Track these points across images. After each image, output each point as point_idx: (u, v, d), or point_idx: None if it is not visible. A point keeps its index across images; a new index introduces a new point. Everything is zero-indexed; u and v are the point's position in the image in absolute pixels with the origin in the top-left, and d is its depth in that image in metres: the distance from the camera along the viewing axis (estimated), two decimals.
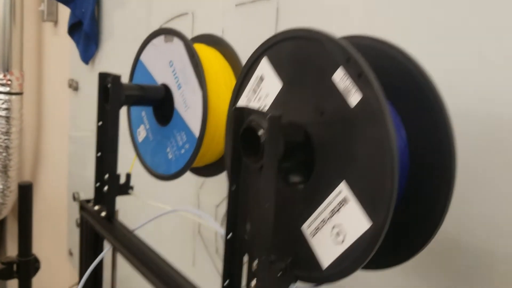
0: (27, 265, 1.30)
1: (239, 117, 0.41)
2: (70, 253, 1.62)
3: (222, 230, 0.45)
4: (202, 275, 0.98)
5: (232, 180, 0.42)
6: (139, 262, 0.58)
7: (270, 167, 0.38)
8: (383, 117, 0.34)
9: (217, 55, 0.70)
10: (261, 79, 0.46)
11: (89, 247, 0.69)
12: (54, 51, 1.87)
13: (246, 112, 0.41)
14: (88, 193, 1.51)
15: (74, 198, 1.54)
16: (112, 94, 0.62)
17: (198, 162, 0.70)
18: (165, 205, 0.67)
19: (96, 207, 0.69)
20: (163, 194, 0.98)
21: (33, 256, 1.32)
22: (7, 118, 1.90)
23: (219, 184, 0.91)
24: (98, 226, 0.66)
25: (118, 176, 0.67)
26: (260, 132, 0.38)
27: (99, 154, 0.67)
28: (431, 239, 0.39)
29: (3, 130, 1.91)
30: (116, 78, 0.63)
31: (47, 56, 1.93)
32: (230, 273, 0.44)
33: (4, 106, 1.89)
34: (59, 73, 1.74)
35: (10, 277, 1.30)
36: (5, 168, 1.98)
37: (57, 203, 1.74)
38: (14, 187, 2.06)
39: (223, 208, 0.90)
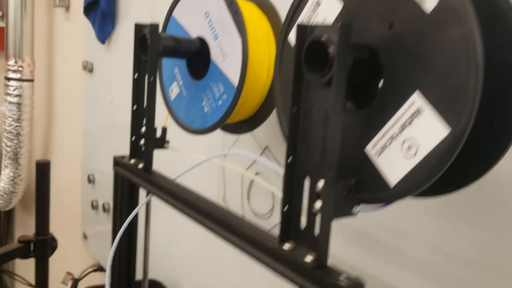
0: (44, 244, 1.29)
1: (302, 34, 0.40)
2: (85, 236, 1.60)
3: (280, 170, 0.44)
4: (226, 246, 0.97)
5: (293, 102, 0.41)
6: (186, 207, 0.56)
7: (339, 78, 0.37)
8: (467, 15, 0.33)
9: (253, 6, 0.69)
10: (318, 4, 0.45)
11: (125, 201, 0.68)
12: (65, 36, 1.86)
13: (309, 29, 0.39)
14: (103, 175, 1.49)
15: (89, 180, 1.53)
16: (151, 43, 0.61)
17: (232, 118, 0.68)
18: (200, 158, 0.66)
19: (132, 161, 0.67)
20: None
21: (50, 235, 1.30)
22: (19, 105, 1.89)
23: (249, 144, 0.89)
24: (136, 178, 0.65)
25: (155, 129, 0.66)
26: (328, 42, 0.37)
27: (134, 107, 0.66)
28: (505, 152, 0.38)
29: (15, 117, 1.90)
30: (155, 27, 0.62)
31: (59, 42, 1.92)
32: (290, 198, 0.43)
33: (15, 92, 1.88)
34: (72, 57, 1.73)
35: (27, 256, 1.29)
36: (16, 156, 1.97)
37: (70, 188, 1.72)
38: (24, 175, 2.04)
39: (251, 172, 0.89)
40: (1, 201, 2.12)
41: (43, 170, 1.27)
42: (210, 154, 0.88)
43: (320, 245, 0.40)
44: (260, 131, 0.81)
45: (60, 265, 1.45)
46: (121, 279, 0.71)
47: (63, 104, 1.93)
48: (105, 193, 1.48)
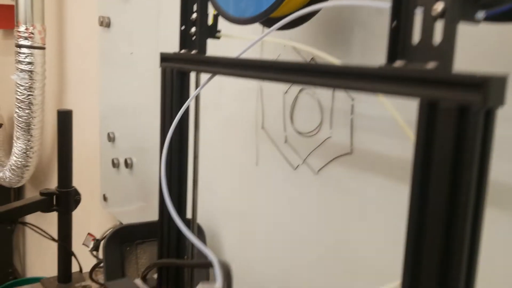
0: (68, 197, 1.24)
1: None
2: (104, 198, 1.56)
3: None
4: (267, 172, 0.93)
5: None
6: (267, 69, 0.51)
7: None
8: None
9: None
10: None
11: (175, 95, 0.63)
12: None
13: None
14: (122, 133, 1.45)
15: (109, 138, 1.48)
16: None
17: (280, 10, 0.64)
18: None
19: (183, 51, 0.63)
20: None
21: (73, 188, 1.26)
22: (30, 73, 1.84)
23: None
24: (191, 64, 0.60)
25: (207, 15, 0.62)
26: None
27: None
28: None
29: (26, 85, 1.86)
30: None
31: (72, 4, 1.88)
32: (398, 11, 0.38)
33: (27, 60, 1.83)
34: (86, 15, 1.68)
35: (50, 209, 1.24)
36: (28, 127, 1.92)
37: (88, 150, 1.67)
38: (37, 148, 2.00)
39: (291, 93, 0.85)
40: (12, 176, 2.07)
41: (65, 118, 1.23)
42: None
43: (444, 52, 0.35)
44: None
45: (80, 228, 1.40)
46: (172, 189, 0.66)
47: (76, 69, 1.88)
48: (127, 149, 1.43)
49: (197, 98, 0.70)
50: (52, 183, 1.55)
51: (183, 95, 0.64)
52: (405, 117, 0.54)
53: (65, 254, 1.27)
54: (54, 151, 2.11)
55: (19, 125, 1.92)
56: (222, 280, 0.43)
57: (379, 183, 0.72)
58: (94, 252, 1.38)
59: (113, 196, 1.54)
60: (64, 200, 1.23)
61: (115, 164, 1.47)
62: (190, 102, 0.64)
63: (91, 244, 1.42)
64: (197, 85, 0.66)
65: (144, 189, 1.38)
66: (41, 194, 1.22)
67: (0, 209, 1.13)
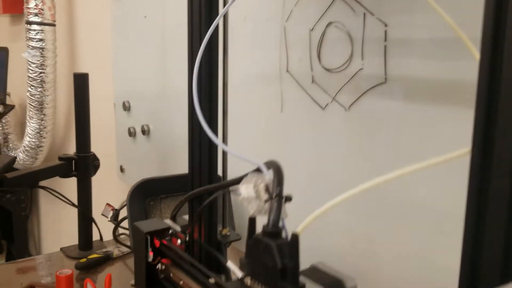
0: (86, 161, 1.22)
1: None
2: (121, 170, 1.53)
3: None
4: (293, 117, 0.90)
5: None
6: None
7: None
8: None
9: None
10: None
11: (204, 13, 0.60)
12: None
13: None
14: (138, 100, 1.42)
15: (125, 107, 1.46)
16: None
17: None
18: None
19: None
20: None
21: (92, 153, 1.23)
22: (42, 50, 1.83)
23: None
24: None
25: None
26: None
27: None
28: None
29: (38, 63, 1.84)
30: None
31: None
32: None
33: (37, 37, 1.81)
34: None
35: (69, 174, 1.22)
36: (41, 105, 1.91)
37: (103, 123, 1.65)
38: (50, 128, 1.98)
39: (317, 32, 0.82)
40: (26, 158, 2.05)
41: (81, 82, 1.20)
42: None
43: None
44: None
45: (97, 200, 1.38)
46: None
47: (88, 45, 1.86)
48: (143, 116, 1.41)
49: (224, 22, 0.67)
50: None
51: (212, 14, 0.62)
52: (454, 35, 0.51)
53: (86, 220, 1.25)
54: (68, 131, 2.09)
55: (32, 104, 1.90)
56: (274, 173, 0.40)
57: (418, 111, 0.69)
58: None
59: (130, 167, 1.52)
60: (82, 165, 1.21)
61: (131, 133, 1.45)
62: (219, 22, 0.61)
63: (110, 214, 1.39)
64: (224, 4, 0.63)
65: (162, 156, 1.35)
66: (60, 159, 1.20)
67: (20, 172, 1.11)
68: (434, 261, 0.68)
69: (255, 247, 0.37)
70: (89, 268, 1.14)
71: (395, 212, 0.73)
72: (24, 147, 2.01)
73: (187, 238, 0.69)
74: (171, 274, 0.68)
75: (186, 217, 0.74)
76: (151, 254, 0.71)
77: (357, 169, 0.79)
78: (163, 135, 1.34)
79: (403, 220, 0.72)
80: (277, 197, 0.38)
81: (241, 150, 1.02)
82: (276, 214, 0.37)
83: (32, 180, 1.16)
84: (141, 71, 1.39)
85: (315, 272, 0.40)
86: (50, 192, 1.20)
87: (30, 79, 1.86)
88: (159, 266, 0.71)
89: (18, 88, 2.27)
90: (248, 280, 0.39)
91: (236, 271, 0.43)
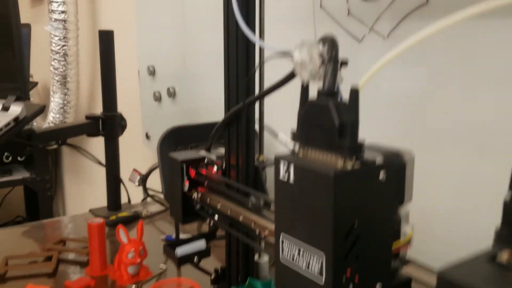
0: (113, 121, 1.21)
1: None
2: (147, 137, 1.52)
3: None
4: None
5: None
6: None
7: None
8: None
9: None
10: None
11: None
12: None
13: None
14: (163, 64, 1.41)
15: (150, 72, 1.44)
16: None
17: None
18: None
19: None
20: None
21: (119, 113, 1.22)
22: (64, 22, 1.82)
23: None
24: None
25: None
26: None
27: None
28: None
29: (61, 35, 1.84)
30: None
31: None
32: None
33: (60, 9, 1.81)
34: None
35: (96, 134, 1.21)
36: (65, 79, 1.91)
37: (127, 92, 1.64)
38: (74, 103, 1.98)
39: None
40: None
41: (106, 38, 1.19)
42: None
43: None
44: None
45: (123, 167, 1.37)
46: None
47: (110, 17, 1.85)
48: (169, 79, 1.39)
49: None
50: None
51: None
52: None
53: (114, 181, 1.24)
54: (91, 107, 2.10)
55: (55, 78, 1.90)
56: (328, 40, 0.37)
57: (464, 28, 0.66)
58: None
59: (155, 133, 1.51)
60: (109, 124, 1.20)
61: (157, 98, 1.43)
62: None
63: (137, 179, 1.38)
64: None
65: (188, 118, 1.34)
66: (87, 117, 1.19)
67: (48, 128, 1.10)
68: None
69: (309, 113, 0.35)
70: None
71: None
72: (48, 123, 2.02)
73: (224, 165, 0.67)
74: (208, 200, 0.66)
75: (220, 149, 0.72)
76: (186, 183, 0.69)
77: (401, 102, 0.76)
78: (189, 96, 1.33)
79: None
80: (332, 60, 0.35)
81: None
82: (332, 77, 0.35)
83: (59, 136, 1.15)
84: (165, 33, 1.38)
85: (371, 146, 0.37)
86: (77, 149, 1.19)
87: (53, 52, 1.86)
88: (195, 195, 0.69)
89: (40, 69, 2.27)
90: (301, 150, 0.36)
91: (288, 143, 0.40)
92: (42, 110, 0.95)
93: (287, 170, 0.35)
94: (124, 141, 1.30)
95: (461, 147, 0.68)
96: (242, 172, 0.64)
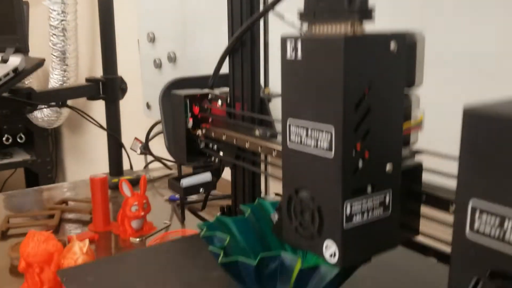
0: (114, 84, 1.19)
1: None
2: (148, 106, 1.50)
3: None
4: None
5: None
6: None
7: None
8: None
9: None
10: None
11: None
12: None
13: None
14: (163, 30, 1.39)
15: (149, 39, 1.42)
16: None
17: None
18: None
19: None
20: None
21: (119, 76, 1.20)
22: None
23: None
24: None
25: None
26: None
27: None
28: None
29: (59, 10, 1.82)
30: None
31: None
32: None
33: None
34: None
35: (97, 97, 1.19)
36: (64, 55, 1.89)
37: (127, 60, 1.62)
38: (73, 79, 1.96)
39: None
40: (50, 113, 2.04)
41: (105, 4, 1.17)
42: None
43: None
44: None
45: (124, 137, 1.35)
46: None
47: None
48: (169, 44, 1.37)
49: None
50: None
51: None
52: None
53: (116, 144, 1.22)
54: None
55: (54, 54, 1.88)
56: None
57: None
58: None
59: (156, 103, 1.49)
60: (110, 87, 1.18)
61: (157, 65, 1.41)
62: None
63: (139, 147, 1.37)
64: None
65: None
66: (87, 80, 1.17)
67: (48, 90, 1.08)
68: None
69: None
70: None
71: None
72: None
73: (228, 99, 0.65)
74: (213, 134, 0.64)
75: (223, 88, 0.70)
76: (190, 120, 0.67)
77: None
78: (190, 60, 1.31)
79: None
80: None
81: None
82: None
83: (59, 97, 1.13)
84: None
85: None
86: (78, 112, 1.17)
87: (52, 27, 1.84)
88: (199, 132, 0.67)
89: (38, 49, 2.25)
90: (309, 27, 0.34)
91: (295, 23, 0.39)
92: (42, 63, 0.93)
93: (295, 47, 0.34)
94: (125, 112, 1.29)
95: None
96: (248, 103, 0.62)
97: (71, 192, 1.18)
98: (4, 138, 2.31)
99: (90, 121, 1.18)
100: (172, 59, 1.35)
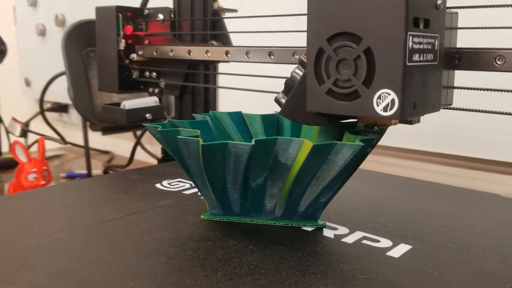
0: None
1: None
2: (27, 83, 1.30)
3: None
4: None
5: None
6: None
7: None
8: None
9: None
10: None
11: None
12: None
13: None
14: None
15: (31, 2, 1.23)
16: None
17: None
18: None
19: None
20: None
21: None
22: None
23: None
24: None
25: None
26: None
27: None
28: None
29: None
30: None
31: None
32: None
33: None
34: None
35: None
36: None
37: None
38: None
39: None
40: None
41: None
42: None
43: None
44: None
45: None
46: None
47: None
48: (55, 6, 1.20)
49: None
50: None
51: None
52: None
53: None
54: None
55: None
56: None
57: None
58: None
59: (38, 76, 1.29)
60: None
61: (40, 31, 1.23)
62: None
63: (18, 128, 1.17)
64: None
65: None
66: None
67: None
68: None
69: None
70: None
71: None
72: None
73: (172, 14, 0.55)
74: (155, 52, 0.54)
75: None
76: (123, 41, 0.56)
77: None
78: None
79: None
80: None
81: None
82: None
83: None
84: None
85: None
86: None
87: None
88: (133, 56, 0.56)
89: None
90: None
91: None
92: None
93: None
94: None
95: None
96: (199, 16, 0.53)
97: None
98: None
99: None
100: (61, 22, 1.18)
